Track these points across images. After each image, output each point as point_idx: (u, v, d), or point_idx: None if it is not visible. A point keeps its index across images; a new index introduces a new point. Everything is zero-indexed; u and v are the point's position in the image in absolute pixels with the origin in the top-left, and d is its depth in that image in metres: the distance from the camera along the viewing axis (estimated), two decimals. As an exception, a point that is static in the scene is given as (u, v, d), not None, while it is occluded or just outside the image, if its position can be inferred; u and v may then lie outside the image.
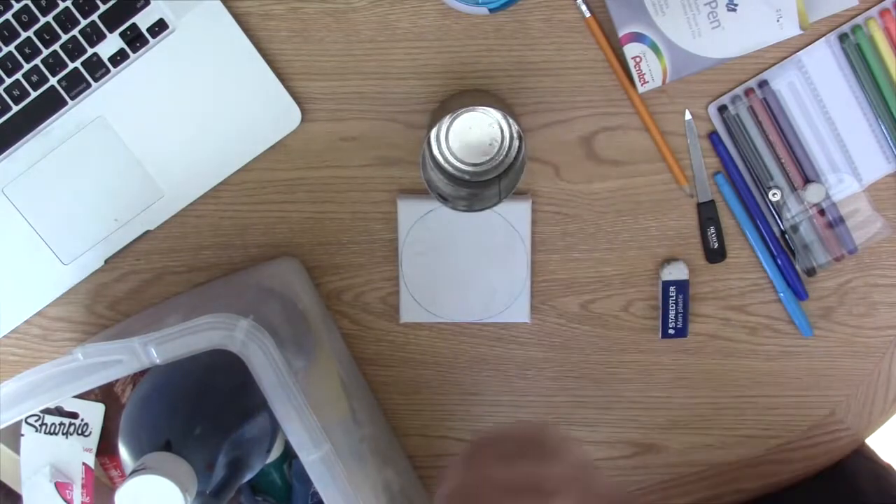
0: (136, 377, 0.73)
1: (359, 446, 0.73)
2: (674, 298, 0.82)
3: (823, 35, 0.78)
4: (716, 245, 0.82)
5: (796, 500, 0.87)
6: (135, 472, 0.57)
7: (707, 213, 0.81)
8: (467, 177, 0.79)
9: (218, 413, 0.64)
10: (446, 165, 0.79)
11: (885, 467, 0.88)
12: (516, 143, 0.78)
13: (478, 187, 0.78)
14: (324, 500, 0.62)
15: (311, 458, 0.61)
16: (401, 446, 0.87)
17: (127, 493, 0.57)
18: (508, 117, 0.73)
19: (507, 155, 0.78)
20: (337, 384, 0.76)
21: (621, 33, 0.76)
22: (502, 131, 0.78)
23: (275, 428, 0.67)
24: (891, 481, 0.87)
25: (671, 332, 0.83)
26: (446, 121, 0.77)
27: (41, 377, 0.62)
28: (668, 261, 0.82)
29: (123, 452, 0.63)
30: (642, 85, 0.77)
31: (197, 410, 0.63)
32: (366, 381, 0.85)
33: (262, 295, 0.75)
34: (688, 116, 0.79)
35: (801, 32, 0.76)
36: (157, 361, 0.61)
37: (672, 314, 0.82)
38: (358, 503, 0.62)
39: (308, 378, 0.70)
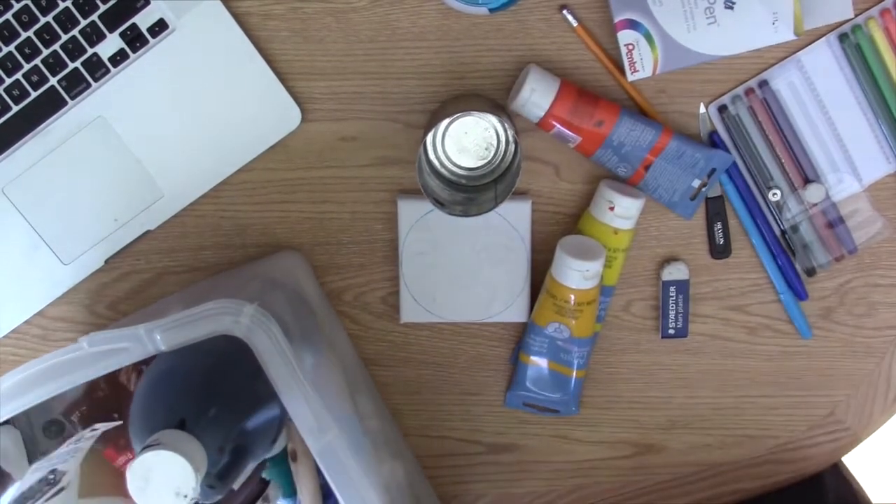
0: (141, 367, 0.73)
1: (361, 439, 0.72)
2: (674, 298, 0.82)
3: (823, 35, 0.78)
4: (721, 241, 0.82)
5: (796, 500, 0.87)
6: (148, 446, 0.57)
7: (714, 209, 0.81)
8: (464, 181, 0.79)
9: (233, 396, 0.64)
10: (442, 170, 0.79)
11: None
12: (512, 147, 0.78)
13: (474, 191, 0.78)
14: (332, 486, 0.62)
15: (319, 443, 0.61)
16: (405, 441, 0.86)
17: (140, 467, 0.57)
18: (504, 122, 0.73)
19: (503, 159, 0.78)
20: (340, 376, 0.76)
21: (617, 19, 0.76)
22: (498, 135, 0.78)
23: (282, 418, 0.67)
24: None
25: (671, 332, 0.83)
26: (442, 126, 0.77)
27: (46, 366, 0.62)
28: (669, 261, 0.82)
29: (135, 428, 0.63)
30: (632, 73, 0.77)
31: (213, 392, 0.63)
32: (370, 376, 0.85)
33: (266, 286, 0.75)
34: (702, 109, 0.79)
35: (795, 38, 0.76)
36: (163, 348, 0.61)
37: (672, 314, 0.82)
38: (366, 489, 0.62)
39: (314, 368, 0.70)
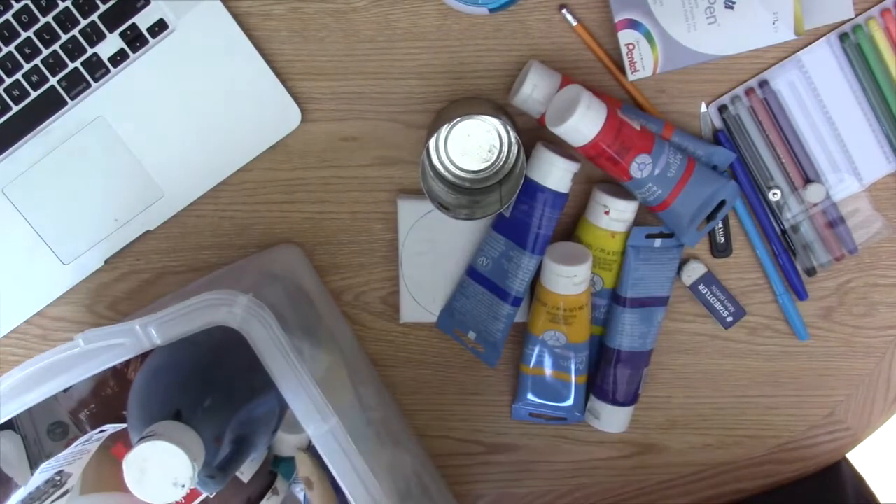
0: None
1: (365, 430, 0.72)
2: (709, 293, 0.82)
3: (824, 35, 0.78)
4: (722, 240, 0.82)
5: (796, 500, 0.87)
6: (144, 438, 0.57)
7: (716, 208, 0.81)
8: (468, 184, 0.79)
9: (228, 387, 0.64)
10: (446, 174, 0.79)
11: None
12: (515, 148, 0.78)
13: (479, 194, 0.78)
14: (334, 474, 0.62)
15: (320, 431, 0.61)
16: (413, 435, 0.86)
17: (136, 458, 0.57)
18: (506, 124, 0.73)
19: (506, 161, 0.78)
20: (341, 367, 0.76)
21: (617, 18, 0.76)
22: (500, 138, 0.78)
23: (282, 408, 0.67)
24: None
25: (730, 319, 0.82)
26: (444, 130, 0.77)
27: (44, 366, 0.62)
28: (681, 264, 0.82)
29: (132, 421, 0.63)
30: (633, 73, 0.77)
31: (208, 383, 0.63)
32: (375, 369, 0.85)
33: (263, 279, 0.75)
34: (703, 109, 0.79)
35: (796, 38, 0.76)
36: (159, 342, 0.61)
37: (719, 306, 0.82)
38: (369, 476, 0.62)
39: (313, 358, 0.70)
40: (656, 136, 0.74)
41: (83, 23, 0.76)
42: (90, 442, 0.70)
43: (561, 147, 0.76)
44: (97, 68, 0.77)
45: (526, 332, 0.81)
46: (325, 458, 0.62)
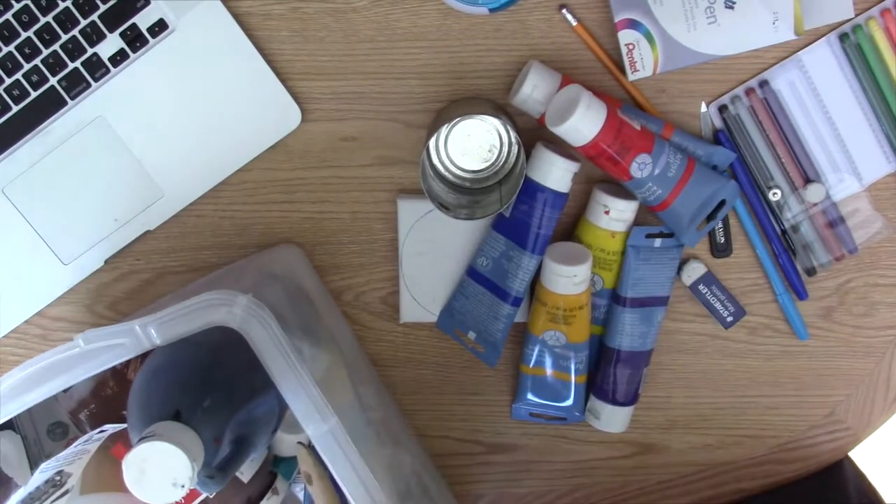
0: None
1: (365, 430, 0.72)
2: (709, 293, 0.82)
3: (824, 35, 0.78)
4: (722, 240, 0.82)
5: (796, 500, 0.87)
6: (143, 438, 0.57)
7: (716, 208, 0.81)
8: (468, 184, 0.79)
9: (228, 387, 0.64)
10: (446, 174, 0.79)
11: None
12: (515, 148, 0.78)
13: (479, 194, 0.78)
14: (334, 474, 0.62)
15: (320, 431, 0.61)
16: (413, 433, 0.86)
17: (135, 458, 0.57)
18: (506, 124, 0.73)
19: (506, 161, 0.78)
20: (341, 367, 0.76)
21: (617, 18, 0.76)
22: (500, 138, 0.78)
23: (282, 408, 0.67)
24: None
25: (730, 319, 0.82)
26: (444, 129, 0.77)
27: (44, 366, 0.62)
28: (681, 264, 0.82)
29: (132, 421, 0.63)
30: (633, 73, 0.77)
31: (207, 383, 0.64)
32: (375, 369, 0.85)
33: (263, 279, 0.75)
34: (704, 108, 0.79)
35: (796, 38, 0.76)
36: (158, 343, 0.61)
37: (718, 306, 0.82)
38: (368, 476, 0.62)
39: (313, 358, 0.70)
40: (656, 136, 0.74)
41: (83, 23, 0.76)
42: (90, 442, 0.70)
43: (561, 147, 0.76)
44: (97, 68, 0.77)
45: (526, 332, 0.81)
46: (324, 458, 0.62)
